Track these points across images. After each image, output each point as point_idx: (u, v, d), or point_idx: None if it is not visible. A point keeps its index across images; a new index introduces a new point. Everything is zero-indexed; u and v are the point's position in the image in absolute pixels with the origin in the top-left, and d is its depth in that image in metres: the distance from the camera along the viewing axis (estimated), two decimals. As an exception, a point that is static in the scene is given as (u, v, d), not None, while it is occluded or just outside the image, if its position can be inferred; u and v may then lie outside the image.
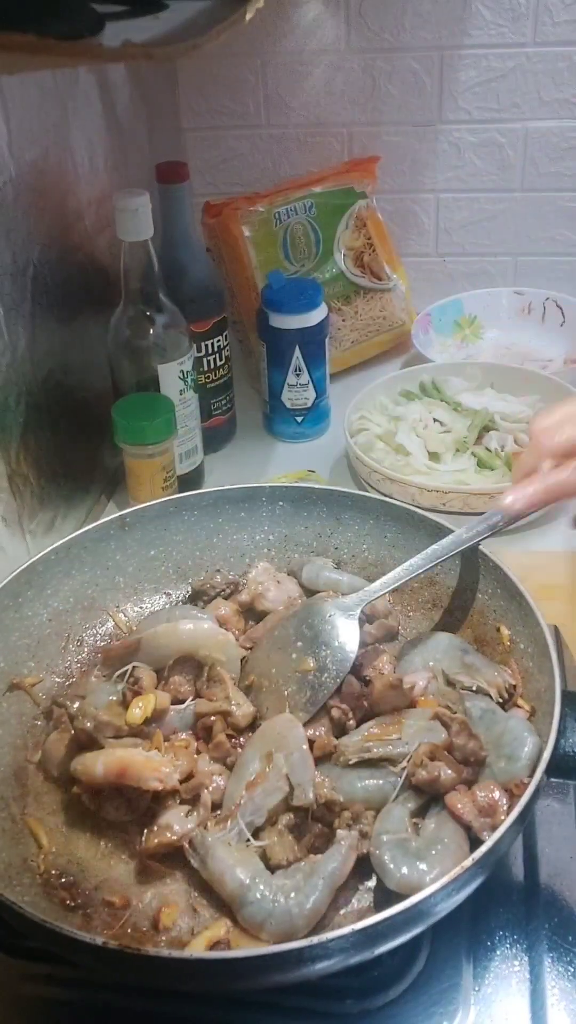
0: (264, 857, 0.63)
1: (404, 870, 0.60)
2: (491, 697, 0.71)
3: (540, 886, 0.68)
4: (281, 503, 0.89)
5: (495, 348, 1.39)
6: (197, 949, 0.59)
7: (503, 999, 0.62)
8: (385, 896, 0.60)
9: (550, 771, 0.61)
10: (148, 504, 0.87)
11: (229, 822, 0.64)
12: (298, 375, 1.19)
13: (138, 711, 0.70)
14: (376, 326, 1.36)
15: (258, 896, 0.60)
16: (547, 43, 1.28)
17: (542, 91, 1.31)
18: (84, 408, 1.05)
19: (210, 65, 1.35)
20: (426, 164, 1.38)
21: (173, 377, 1.04)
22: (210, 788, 0.68)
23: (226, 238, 1.26)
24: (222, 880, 0.62)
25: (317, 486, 0.89)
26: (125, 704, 0.71)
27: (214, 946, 0.60)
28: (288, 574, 0.86)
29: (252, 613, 0.83)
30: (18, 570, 0.77)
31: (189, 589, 0.87)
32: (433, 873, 0.59)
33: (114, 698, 0.72)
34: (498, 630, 0.77)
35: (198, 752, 0.71)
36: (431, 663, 0.75)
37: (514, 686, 0.72)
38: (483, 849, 0.55)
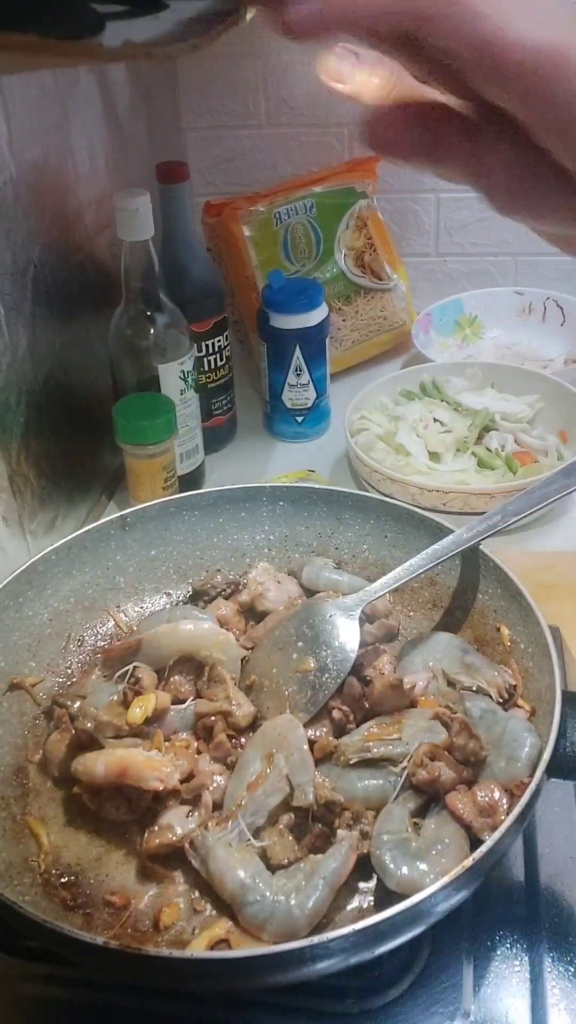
0: (264, 857, 0.63)
1: (404, 870, 0.60)
2: (491, 697, 0.71)
3: (540, 886, 0.68)
4: (281, 503, 0.89)
5: (495, 348, 1.39)
6: (198, 949, 0.59)
7: (503, 999, 0.62)
8: (385, 896, 0.60)
9: (550, 771, 0.60)
10: (149, 504, 0.87)
11: (230, 822, 0.64)
12: (298, 375, 1.19)
13: (139, 711, 0.70)
14: (376, 326, 1.36)
15: (259, 896, 0.60)
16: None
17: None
18: (85, 408, 1.05)
19: (210, 65, 1.35)
20: (426, 164, 1.38)
21: (174, 377, 1.04)
22: (211, 788, 0.67)
23: (226, 238, 1.25)
24: (223, 880, 0.61)
25: (317, 486, 0.89)
26: (126, 704, 0.71)
27: (215, 946, 0.60)
28: (288, 574, 0.86)
29: (252, 613, 0.83)
30: (19, 570, 0.77)
31: (189, 589, 0.87)
32: (433, 873, 0.59)
33: (115, 698, 0.72)
34: (498, 630, 0.77)
35: (199, 752, 0.71)
36: (431, 663, 0.75)
37: (514, 686, 0.72)
38: (483, 849, 0.55)
